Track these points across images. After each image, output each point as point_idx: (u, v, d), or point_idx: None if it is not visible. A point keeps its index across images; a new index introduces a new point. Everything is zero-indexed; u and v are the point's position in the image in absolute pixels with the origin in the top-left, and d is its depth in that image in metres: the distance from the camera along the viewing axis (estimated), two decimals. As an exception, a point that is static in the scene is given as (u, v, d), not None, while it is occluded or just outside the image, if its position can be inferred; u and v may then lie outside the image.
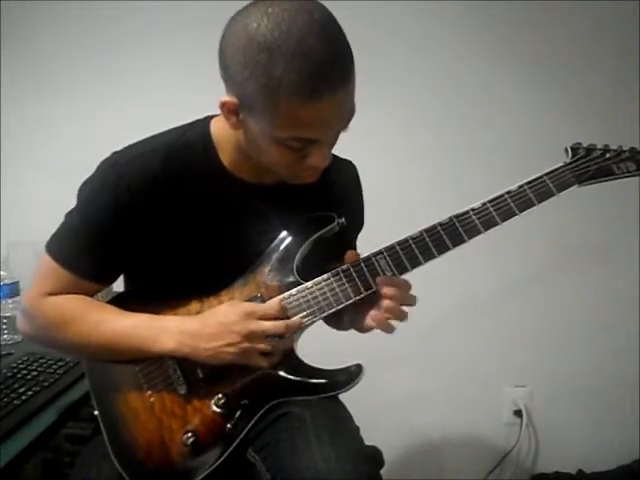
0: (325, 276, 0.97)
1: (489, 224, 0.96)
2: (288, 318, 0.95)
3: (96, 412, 0.97)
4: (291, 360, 0.96)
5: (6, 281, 1.47)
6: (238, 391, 0.95)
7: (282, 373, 0.96)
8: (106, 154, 0.96)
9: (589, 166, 1.00)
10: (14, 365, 1.24)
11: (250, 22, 0.77)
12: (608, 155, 1.02)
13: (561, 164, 1.00)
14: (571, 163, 1.00)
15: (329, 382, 0.96)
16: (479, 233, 0.96)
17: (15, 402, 1.09)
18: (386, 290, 0.94)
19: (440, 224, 0.97)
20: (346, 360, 0.97)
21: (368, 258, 0.97)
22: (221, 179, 0.97)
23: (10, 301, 1.46)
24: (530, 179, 0.98)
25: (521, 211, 0.96)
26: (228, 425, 0.94)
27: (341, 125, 0.85)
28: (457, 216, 0.97)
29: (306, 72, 0.75)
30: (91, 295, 1.00)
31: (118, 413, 0.96)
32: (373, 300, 0.96)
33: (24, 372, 1.21)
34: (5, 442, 0.99)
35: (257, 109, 0.81)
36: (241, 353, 0.91)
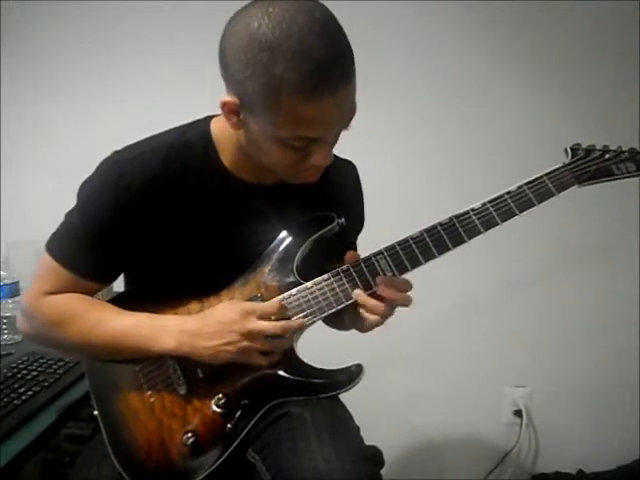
0: (325, 276, 0.97)
1: (489, 224, 0.96)
2: (288, 318, 0.95)
3: (96, 412, 0.97)
4: (291, 360, 0.96)
5: (6, 281, 1.47)
6: (238, 391, 0.95)
7: (282, 373, 0.96)
8: (106, 154, 0.96)
9: (589, 166, 1.00)
10: (14, 365, 1.24)
11: (251, 21, 0.77)
12: (607, 156, 1.02)
13: (561, 164, 1.00)
14: (571, 164, 1.00)
15: (329, 382, 0.96)
16: (479, 233, 0.96)
17: (15, 402, 1.09)
18: (384, 291, 0.94)
19: (440, 224, 0.97)
20: (346, 360, 0.97)
21: (368, 258, 0.97)
22: (221, 179, 0.97)
23: (10, 301, 1.46)
24: (530, 179, 0.98)
25: (521, 211, 0.97)
26: (228, 425, 0.94)
27: (342, 124, 0.85)
28: (457, 216, 0.97)
29: (307, 71, 0.75)
30: (91, 294, 1.00)
31: (118, 413, 0.96)
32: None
33: (24, 372, 1.21)
34: (5, 442, 0.99)
35: (258, 108, 0.81)
36: (240, 352, 0.91)
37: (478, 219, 0.96)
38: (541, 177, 0.98)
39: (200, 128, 0.97)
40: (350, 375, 0.96)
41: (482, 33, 1.81)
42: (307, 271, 0.98)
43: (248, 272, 1.00)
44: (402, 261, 0.96)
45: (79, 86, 1.85)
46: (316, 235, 1.00)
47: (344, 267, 0.97)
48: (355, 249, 1.07)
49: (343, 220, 1.00)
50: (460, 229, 0.96)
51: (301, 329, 0.96)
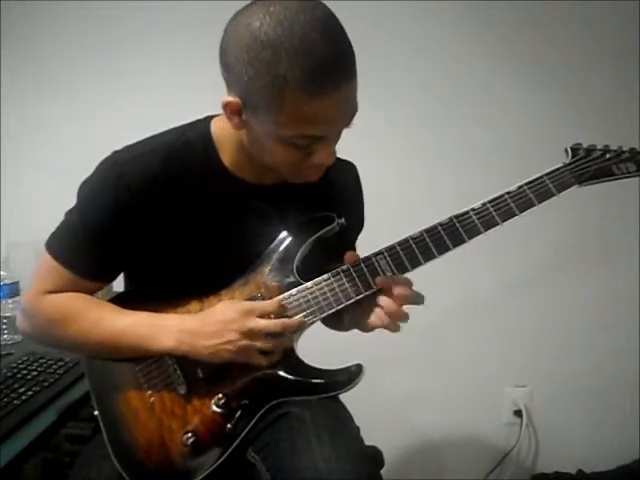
0: (325, 276, 0.97)
1: (489, 224, 0.96)
2: (288, 317, 0.95)
3: (96, 412, 0.97)
4: (291, 360, 0.96)
5: (6, 281, 1.47)
6: (238, 391, 0.95)
7: (282, 373, 0.96)
8: (106, 154, 0.96)
9: (589, 166, 1.00)
10: (14, 365, 1.24)
11: (252, 21, 0.77)
12: (608, 156, 1.02)
13: (561, 164, 1.00)
14: (571, 164, 1.00)
15: (329, 382, 0.96)
16: (479, 233, 0.96)
17: (15, 402, 1.09)
18: (396, 290, 0.93)
19: (440, 224, 0.97)
20: (346, 360, 0.97)
21: (368, 258, 0.97)
22: (221, 179, 0.97)
23: (10, 301, 1.46)
24: (530, 179, 0.98)
25: (521, 211, 0.96)
26: (228, 425, 0.94)
27: (345, 121, 0.86)
28: (457, 216, 0.97)
29: (310, 69, 0.75)
30: (91, 293, 1.00)
31: (118, 413, 0.96)
32: (373, 300, 0.96)
33: (24, 372, 1.21)
34: (5, 442, 0.99)
35: (261, 108, 0.81)
36: (240, 351, 0.91)
37: (478, 219, 0.96)
38: (541, 177, 0.98)
39: (200, 128, 0.97)
40: (350, 375, 0.96)
41: (482, 33, 1.81)
42: (307, 271, 0.98)
43: (248, 272, 0.99)
44: (402, 261, 0.96)
45: (79, 86, 1.85)
46: (316, 235, 0.99)
47: (344, 267, 0.97)
48: (355, 249, 1.08)
49: (343, 220, 1.00)
50: (460, 229, 0.96)
51: (301, 328, 0.96)
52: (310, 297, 0.96)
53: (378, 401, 1.76)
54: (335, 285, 0.96)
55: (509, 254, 1.85)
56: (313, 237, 0.99)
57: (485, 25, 1.81)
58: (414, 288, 0.95)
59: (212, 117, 0.99)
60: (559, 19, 1.78)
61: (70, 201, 0.97)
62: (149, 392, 0.96)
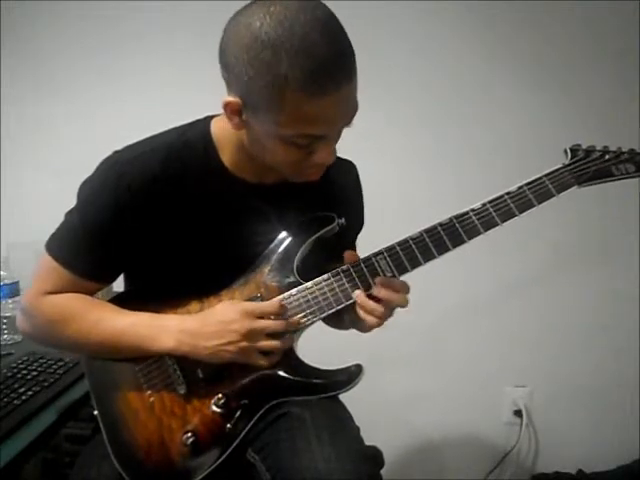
0: (325, 276, 0.97)
1: (489, 225, 0.96)
2: (288, 317, 0.95)
3: (96, 412, 0.97)
4: (291, 360, 0.96)
5: (6, 281, 1.47)
6: (238, 391, 0.95)
7: (282, 373, 0.96)
8: (106, 154, 0.96)
9: (588, 167, 1.00)
10: (14, 365, 1.24)
11: (253, 21, 0.77)
12: (607, 157, 1.02)
13: (560, 165, 1.00)
14: (570, 164, 1.00)
15: (329, 382, 0.96)
16: (479, 234, 0.96)
17: (15, 402, 1.09)
18: (380, 292, 0.94)
19: (440, 224, 0.97)
20: (346, 360, 0.97)
21: (368, 258, 0.97)
22: (221, 179, 0.97)
23: (10, 301, 1.46)
24: (530, 180, 0.98)
25: (521, 212, 0.97)
26: (228, 425, 0.94)
27: (345, 121, 0.86)
28: (457, 217, 0.97)
29: (311, 68, 0.75)
30: (91, 294, 1.00)
31: (118, 413, 0.96)
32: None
33: (24, 372, 1.21)
34: (5, 442, 0.99)
35: (261, 107, 0.81)
36: (240, 352, 0.91)
37: (478, 219, 0.96)
38: (541, 178, 0.98)
39: (200, 128, 0.97)
40: (350, 375, 0.96)
41: (482, 33, 1.81)
42: (307, 271, 0.98)
43: (248, 272, 1.00)
44: (402, 261, 0.96)
45: (79, 86, 1.85)
46: (316, 235, 1.00)
47: (344, 267, 0.97)
48: (355, 249, 1.08)
49: (343, 220, 1.01)
50: (460, 229, 0.96)
51: (301, 329, 0.96)
52: (310, 297, 0.96)
53: (378, 401, 1.76)
54: (335, 285, 0.96)
55: (509, 254, 1.84)
56: (313, 237, 0.99)
57: (485, 25, 1.81)
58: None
59: (212, 117, 0.99)
60: (559, 19, 1.78)
61: (70, 201, 0.97)
62: (149, 392, 0.96)
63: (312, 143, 0.85)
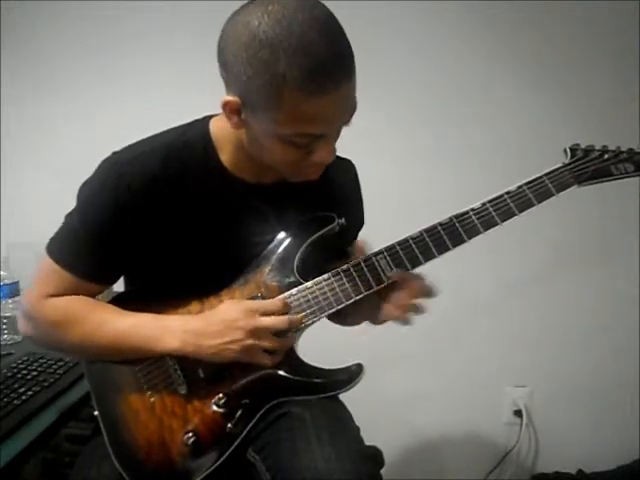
0: (325, 276, 0.97)
1: (489, 224, 0.96)
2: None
3: (96, 412, 0.97)
4: (291, 360, 0.96)
5: (6, 281, 1.47)
6: (239, 391, 0.95)
7: (282, 373, 0.96)
8: (106, 154, 0.96)
9: (587, 167, 1.00)
10: (14, 365, 1.24)
11: (251, 20, 0.77)
12: (606, 156, 1.02)
13: (560, 165, 1.00)
14: (570, 164, 1.00)
15: (329, 382, 0.96)
16: (479, 233, 0.97)
17: (15, 402, 1.09)
18: (411, 284, 0.96)
19: (440, 224, 0.97)
20: (346, 360, 0.97)
21: (368, 258, 0.97)
22: (221, 179, 0.96)
23: (10, 301, 1.46)
24: (529, 179, 0.98)
25: (521, 211, 0.97)
26: (229, 425, 0.94)
27: (344, 120, 0.86)
28: (457, 216, 0.97)
29: (309, 68, 0.75)
30: (93, 296, 1.00)
31: (118, 413, 0.96)
32: (384, 294, 0.97)
33: (24, 372, 1.21)
34: (5, 442, 0.99)
35: (260, 107, 0.81)
36: (244, 350, 0.91)
37: (478, 219, 0.96)
38: (541, 177, 0.98)
39: (199, 128, 0.97)
40: (350, 375, 0.96)
41: (482, 33, 1.81)
42: (307, 271, 0.98)
43: (248, 272, 0.99)
44: (402, 261, 0.96)
45: (79, 86, 1.85)
46: (316, 235, 1.00)
47: (344, 267, 0.97)
48: (354, 248, 1.08)
49: (343, 220, 1.01)
50: (460, 229, 0.96)
51: (302, 328, 0.96)
52: (310, 297, 0.96)
53: (378, 401, 1.76)
54: (335, 285, 0.96)
55: (509, 254, 1.84)
56: (313, 237, 0.99)
57: (485, 25, 1.81)
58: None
59: (211, 117, 0.99)
60: (559, 19, 1.78)
61: (70, 201, 0.97)
62: (149, 392, 0.96)
63: (311, 142, 0.85)
